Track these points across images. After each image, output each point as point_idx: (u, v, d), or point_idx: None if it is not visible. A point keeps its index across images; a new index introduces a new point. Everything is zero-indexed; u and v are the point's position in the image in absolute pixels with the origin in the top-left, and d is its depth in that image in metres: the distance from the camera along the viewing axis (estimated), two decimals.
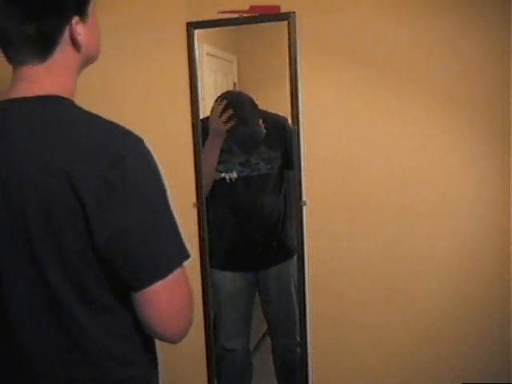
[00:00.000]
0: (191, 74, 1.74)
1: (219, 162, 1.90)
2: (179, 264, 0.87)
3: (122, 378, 0.91)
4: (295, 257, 1.81)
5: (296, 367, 1.89)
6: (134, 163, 0.83)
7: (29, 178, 0.82)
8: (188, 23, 1.72)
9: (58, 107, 0.87)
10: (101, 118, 0.87)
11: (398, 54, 1.64)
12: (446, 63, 1.61)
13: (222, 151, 1.89)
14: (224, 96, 1.89)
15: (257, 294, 2.06)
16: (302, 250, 1.77)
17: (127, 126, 0.88)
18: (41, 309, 0.87)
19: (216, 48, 1.93)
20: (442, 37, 1.61)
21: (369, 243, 1.74)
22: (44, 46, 0.87)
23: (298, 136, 1.70)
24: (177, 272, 0.86)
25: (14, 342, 0.89)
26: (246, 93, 1.92)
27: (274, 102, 1.89)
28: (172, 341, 0.90)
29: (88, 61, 0.96)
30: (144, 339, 0.92)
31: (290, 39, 1.65)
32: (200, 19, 1.71)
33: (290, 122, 1.73)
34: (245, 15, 1.67)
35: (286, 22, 1.64)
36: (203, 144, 1.81)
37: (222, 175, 1.91)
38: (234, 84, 1.98)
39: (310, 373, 1.84)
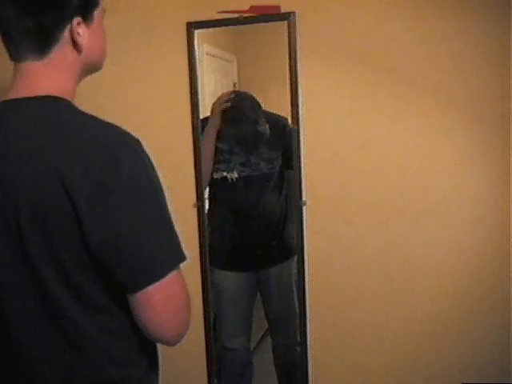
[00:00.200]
0: (191, 74, 1.75)
1: (220, 162, 1.90)
2: (175, 266, 0.86)
3: (117, 377, 0.91)
4: (296, 256, 1.81)
5: (296, 367, 1.89)
6: (129, 165, 0.82)
7: (24, 178, 0.82)
8: (188, 23, 1.72)
9: (55, 108, 0.87)
10: (97, 119, 0.87)
11: (398, 54, 1.64)
12: (446, 63, 1.61)
13: (222, 151, 1.90)
14: (231, 92, 1.92)
15: (258, 293, 2.06)
16: (302, 250, 1.77)
17: (127, 126, 0.87)
18: (36, 309, 0.86)
19: (216, 48, 1.93)
20: (441, 37, 1.60)
21: (369, 243, 1.74)
22: (42, 40, 0.87)
23: (298, 136, 1.71)
24: (172, 274, 0.85)
25: (10, 342, 0.89)
26: (250, 93, 1.92)
27: (274, 102, 1.89)
28: (168, 343, 0.89)
29: (91, 67, 0.96)
30: (142, 340, 0.92)
31: (289, 39, 1.65)
32: (200, 19, 1.71)
33: (290, 122, 1.73)
34: (245, 15, 1.67)
35: (286, 22, 1.65)
36: None
37: (224, 174, 1.91)
38: (234, 84, 1.98)
39: (309, 372, 1.85)
